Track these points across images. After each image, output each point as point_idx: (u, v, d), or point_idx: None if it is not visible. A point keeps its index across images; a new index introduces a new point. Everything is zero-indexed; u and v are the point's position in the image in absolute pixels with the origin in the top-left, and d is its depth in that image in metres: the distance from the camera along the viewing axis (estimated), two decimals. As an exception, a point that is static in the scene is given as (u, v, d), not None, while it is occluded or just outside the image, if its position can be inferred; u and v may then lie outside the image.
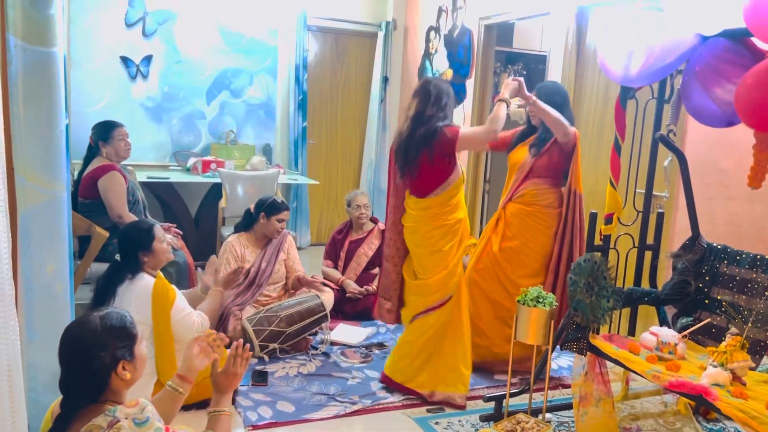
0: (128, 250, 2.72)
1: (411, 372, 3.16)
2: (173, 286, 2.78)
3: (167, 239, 2.93)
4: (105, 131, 3.75)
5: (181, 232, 4.03)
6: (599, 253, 2.70)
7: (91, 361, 1.55)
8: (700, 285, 2.80)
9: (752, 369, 2.35)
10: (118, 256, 2.77)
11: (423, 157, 2.97)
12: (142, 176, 4.83)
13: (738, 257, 2.72)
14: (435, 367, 3.12)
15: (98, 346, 1.56)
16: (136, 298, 2.63)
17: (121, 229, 3.00)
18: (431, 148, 2.96)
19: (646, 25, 2.63)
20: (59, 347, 1.59)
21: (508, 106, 3.01)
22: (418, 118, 3.01)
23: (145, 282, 2.68)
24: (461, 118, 5.44)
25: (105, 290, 2.64)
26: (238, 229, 3.99)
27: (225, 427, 1.82)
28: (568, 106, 3.34)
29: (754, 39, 2.44)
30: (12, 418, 1.85)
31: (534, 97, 3.15)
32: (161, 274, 2.81)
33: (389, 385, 3.24)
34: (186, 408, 2.69)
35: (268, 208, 3.86)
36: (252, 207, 3.96)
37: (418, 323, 3.15)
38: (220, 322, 3.62)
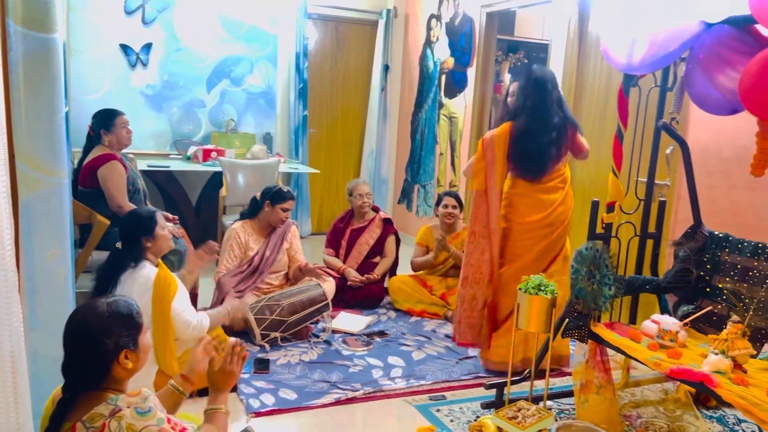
0: (131, 236, 2.71)
1: None
2: (177, 279, 2.78)
3: (168, 227, 2.93)
4: (107, 119, 3.72)
5: (176, 218, 4.05)
6: (601, 242, 2.70)
7: (93, 346, 1.55)
8: (702, 273, 2.80)
9: (753, 356, 2.35)
10: (119, 245, 2.76)
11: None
12: (142, 165, 4.81)
13: (739, 245, 2.72)
14: None
15: (102, 332, 1.56)
16: (138, 286, 2.63)
17: (122, 217, 2.99)
18: None
19: (649, 12, 2.61)
20: (64, 330, 1.59)
21: None
22: None
23: (147, 271, 2.68)
24: (462, 106, 5.42)
25: (108, 278, 2.63)
26: (243, 216, 3.99)
27: (222, 425, 1.80)
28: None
29: (758, 26, 2.42)
30: (16, 405, 1.85)
31: None
32: (164, 264, 2.81)
33: None
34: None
35: (274, 196, 3.85)
36: (258, 195, 3.96)
37: None
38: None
